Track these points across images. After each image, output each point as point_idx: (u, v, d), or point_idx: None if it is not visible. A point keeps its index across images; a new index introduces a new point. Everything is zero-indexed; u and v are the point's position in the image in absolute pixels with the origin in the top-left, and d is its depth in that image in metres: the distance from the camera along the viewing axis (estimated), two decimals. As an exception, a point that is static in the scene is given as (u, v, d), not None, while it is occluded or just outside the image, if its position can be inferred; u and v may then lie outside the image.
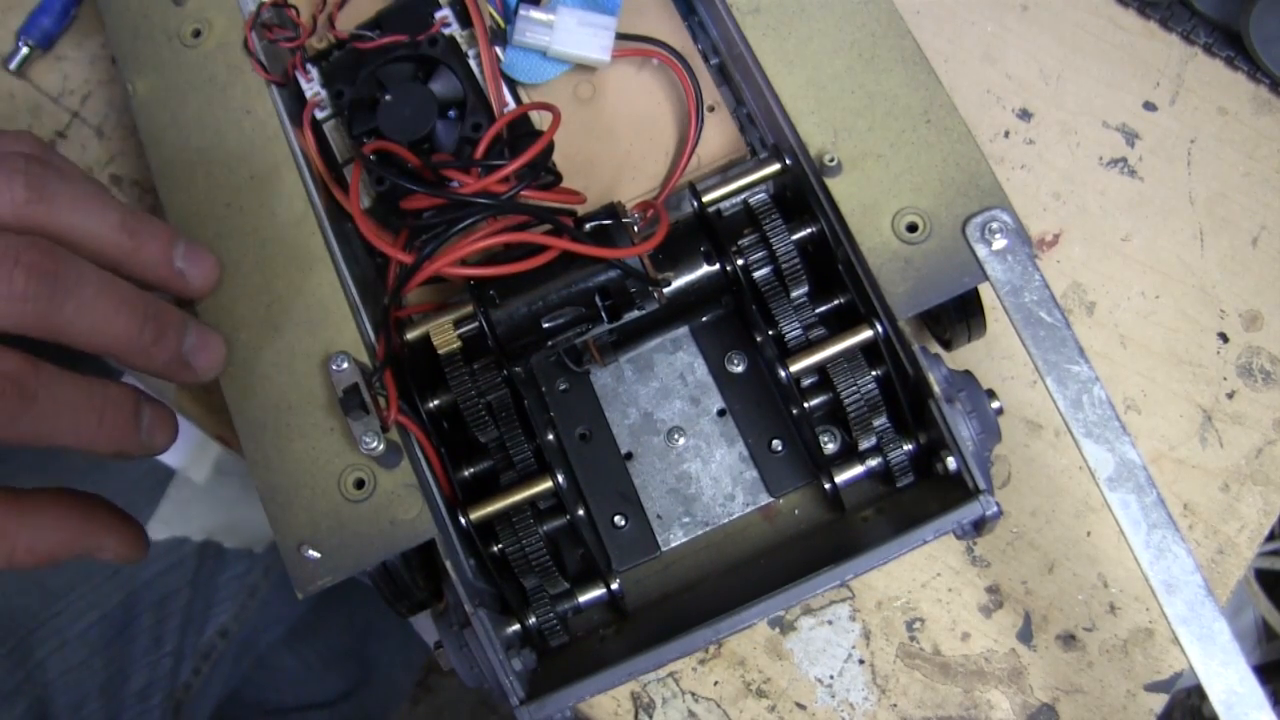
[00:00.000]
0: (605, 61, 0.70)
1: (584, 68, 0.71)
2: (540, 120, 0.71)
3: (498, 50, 0.71)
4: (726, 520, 0.70)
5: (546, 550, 0.63)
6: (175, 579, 1.01)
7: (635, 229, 0.64)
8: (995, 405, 0.63)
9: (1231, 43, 0.80)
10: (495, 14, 0.71)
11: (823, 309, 0.67)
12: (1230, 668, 0.55)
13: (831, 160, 0.63)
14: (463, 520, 0.63)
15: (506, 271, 0.63)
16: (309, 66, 0.73)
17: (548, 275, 0.63)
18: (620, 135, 0.71)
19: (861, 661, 0.72)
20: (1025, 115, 0.80)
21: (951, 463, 0.60)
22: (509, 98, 0.71)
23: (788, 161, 0.67)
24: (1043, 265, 0.61)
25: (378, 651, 1.20)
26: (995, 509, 0.58)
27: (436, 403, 0.66)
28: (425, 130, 0.68)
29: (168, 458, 0.98)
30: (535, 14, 0.70)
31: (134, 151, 0.84)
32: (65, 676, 0.93)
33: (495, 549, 0.64)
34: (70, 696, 0.93)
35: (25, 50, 0.87)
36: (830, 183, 0.63)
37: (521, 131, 0.70)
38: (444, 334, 0.65)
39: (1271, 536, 0.77)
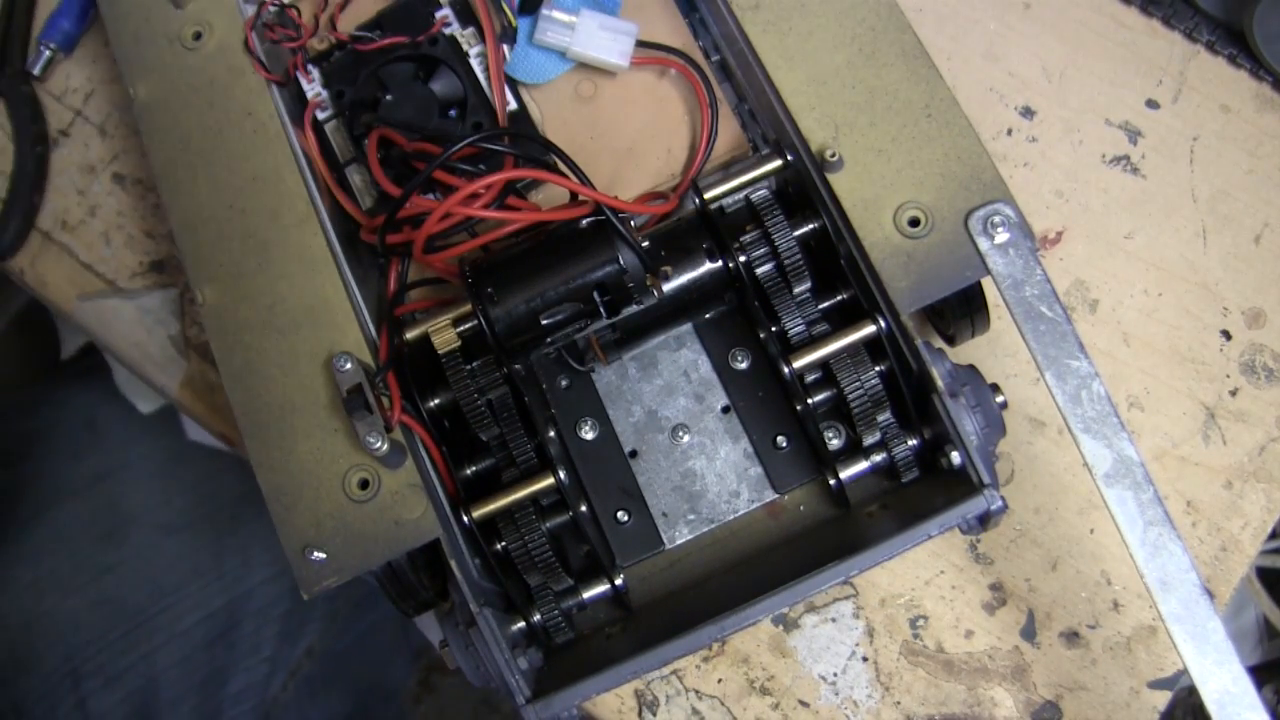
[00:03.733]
0: (624, 67, 0.71)
1: (585, 66, 0.71)
2: (540, 120, 0.71)
3: (505, 49, 0.72)
4: (731, 517, 0.70)
5: (550, 547, 0.63)
6: (277, 588, 1.04)
7: (630, 224, 0.64)
8: (999, 400, 0.63)
9: (1234, 41, 0.80)
10: (510, 12, 0.71)
11: (826, 305, 0.67)
12: (1224, 667, 0.55)
13: (833, 155, 0.63)
14: (465, 518, 0.63)
15: (492, 215, 0.64)
16: (310, 67, 0.73)
17: (545, 270, 0.63)
18: (620, 132, 0.71)
19: (865, 659, 0.72)
20: (1028, 113, 0.80)
21: (956, 457, 0.60)
22: (510, 97, 0.71)
23: (789, 158, 0.67)
24: (1045, 263, 0.61)
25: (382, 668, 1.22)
26: (1000, 503, 0.58)
27: (437, 401, 0.66)
28: (426, 129, 0.68)
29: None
30: (558, 14, 0.70)
31: (137, 150, 0.84)
32: (170, 670, 0.98)
33: (499, 546, 0.64)
34: (173, 690, 0.97)
35: (48, 54, 0.87)
36: (832, 178, 0.63)
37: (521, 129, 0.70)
38: (443, 333, 0.65)
39: (1274, 534, 0.77)
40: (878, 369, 0.64)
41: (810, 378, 0.66)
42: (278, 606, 1.04)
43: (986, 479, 0.59)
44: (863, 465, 0.66)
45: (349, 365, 0.62)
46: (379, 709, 1.20)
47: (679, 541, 0.70)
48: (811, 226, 0.66)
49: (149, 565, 1.00)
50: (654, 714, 0.72)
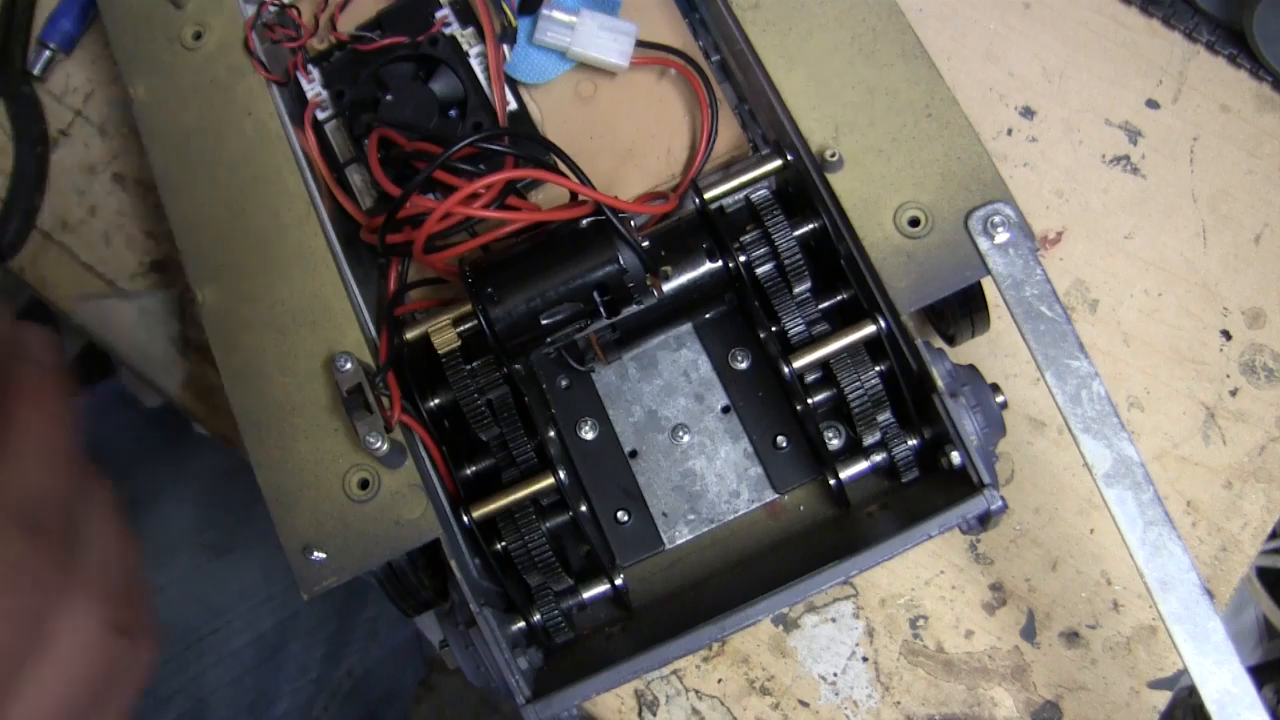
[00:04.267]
0: (624, 67, 0.71)
1: (585, 66, 0.71)
2: (540, 120, 0.71)
3: (505, 49, 0.71)
4: (731, 517, 0.70)
5: (549, 547, 0.63)
6: (326, 608, 1.03)
7: (630, 224, 0.64)
8: (999, 400, 0.63)
9: (1234, 40, 0.80)
10: (510, 12, 0.71)
11: (826, 305, 0.67)
12: (1224, 667, 0.55)
13: (833, 155, 0.63)
14: (465, 518, 0.63)
15: (492, 215, 0.64)
16: (310, 67, 0.73)
17: (545, 270, 0.63)
18: (620, 132, 0.71)
19: (865, 659, 0.72)
20: (1028, 113, 0.80)
21: (956, 457, 0.60)
22: (510, 97, 0.71)
23: (789, 157, 0.67)
24: (1045, 263, 0.61)
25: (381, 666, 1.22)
26: (1000, 503, 0.58)
27: (437, 401, 0.66)
28: (426, 129, 0.68)
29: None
30: (558, 14, 0.70)
31: (136, 150, 0.84)
32: (220, 691, 0.97)
33: (499, 546, 0.64)
34: (222, 711, 0.97)
35: (48, 54, 0.87)
36: (832, 178, 0.63)
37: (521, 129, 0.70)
38: (443, 333, 0.65)
39: (1274, 534, 0.77)
40: (878, 369, 0.64)
41: (810, 378, 0.66)
42: (325, 627, 1.03)
43: (986, 479, 0.59)
44: (863, 465, 0.66)
45: (349, 365, 0.62)
46: (385, 712, 1.20)
47: (679, 541, 0.70)
48: (811, 226, 0.66)
49: (198, 586, 1.00)
50: (654, 714, 0.72)
